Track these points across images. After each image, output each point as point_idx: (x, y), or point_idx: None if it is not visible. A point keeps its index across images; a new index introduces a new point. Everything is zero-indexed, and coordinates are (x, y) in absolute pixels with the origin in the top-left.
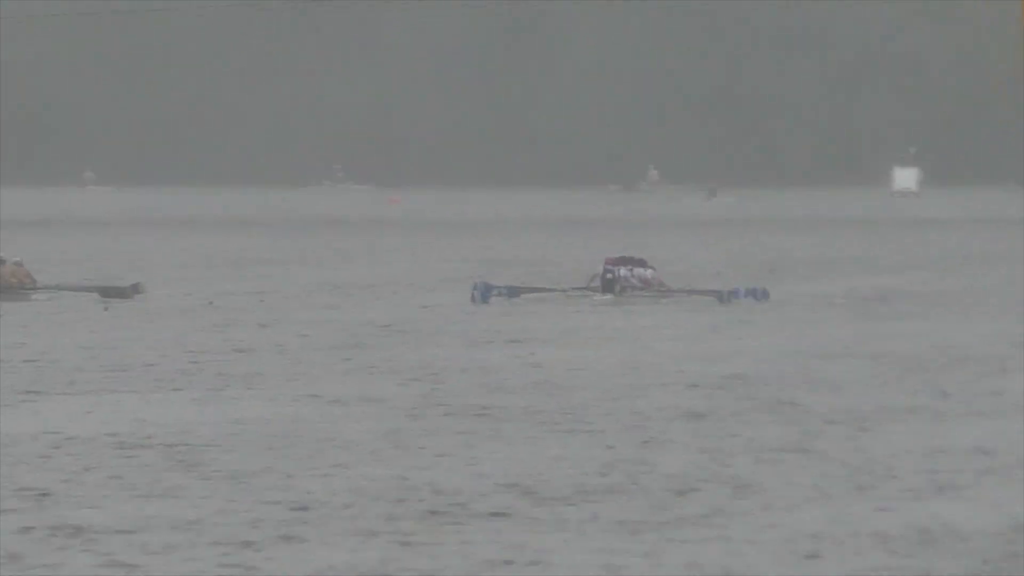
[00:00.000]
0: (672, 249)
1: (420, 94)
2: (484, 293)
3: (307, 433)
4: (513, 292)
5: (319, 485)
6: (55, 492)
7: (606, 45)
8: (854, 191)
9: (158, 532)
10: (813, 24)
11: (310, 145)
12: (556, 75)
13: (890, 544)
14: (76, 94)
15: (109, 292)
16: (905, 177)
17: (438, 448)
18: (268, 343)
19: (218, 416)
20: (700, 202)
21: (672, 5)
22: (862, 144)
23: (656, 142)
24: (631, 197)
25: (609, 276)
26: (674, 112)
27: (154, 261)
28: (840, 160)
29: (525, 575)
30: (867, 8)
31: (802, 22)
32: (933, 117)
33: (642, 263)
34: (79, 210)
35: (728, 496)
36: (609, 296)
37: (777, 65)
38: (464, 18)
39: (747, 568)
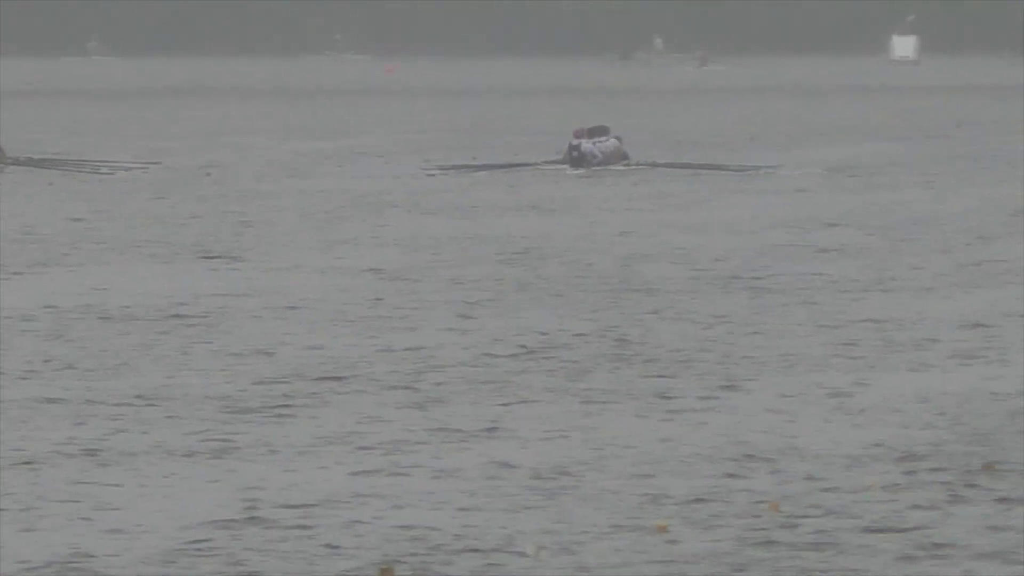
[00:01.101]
0: (655, 118)
1: None
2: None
3: (276, 303)
4: (483, 168)
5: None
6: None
7: None
8: (853, 59)
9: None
10: None
11: (311, 13)
12: None
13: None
14: None
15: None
16: (904, 45)
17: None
18: (235, 214)
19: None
20: (692, 71)
21: None
22: (861, 12)
23: (658, 11)
24: (626, 66)
25: (575, 154)
26: None
27: (138, 131)
28: (840, 29)
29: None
30: None
31: None
32: None
33: (605, 131)
34: (72, 81)
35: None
36: (581, 170)
37: None
38: None
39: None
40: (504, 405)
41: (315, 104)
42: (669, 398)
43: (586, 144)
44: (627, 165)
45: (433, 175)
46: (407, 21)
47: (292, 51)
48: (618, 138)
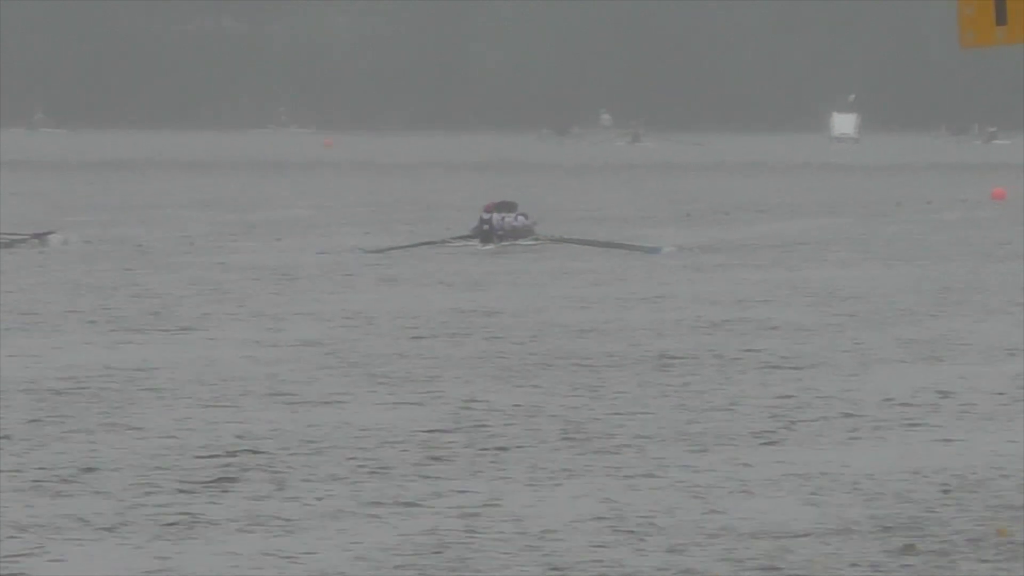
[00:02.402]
0: (577, 194)
1: (364, 37)
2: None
3: (193, 376)
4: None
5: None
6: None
7: None
8: (794, 136)
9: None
10: None
11: (257, 88)
12: (498, 18)
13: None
14: (27, 34)
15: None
16: (844, 123)
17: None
18: (163, 284)
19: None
20: (624, 147)
21: None
22: (803, 90)
23: (600, 86)
24: (561, 142)
25: (486, 227)
26: (614, 56)
27: (72, 204)
28: (781, 106)
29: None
30: None
31: None
32: (870, 63)
33: (512, 207)
34: (13, 152)
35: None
36: (490, 246)
37: (720, 10)
38: None
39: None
40: (430, 479)
41: (249, 177)
42: (591, 472)
43: (496, 218)
44: (536, 240)
45: (340, 252)
46: (348, 96)
47: (237, 125)
48: (524, 214)
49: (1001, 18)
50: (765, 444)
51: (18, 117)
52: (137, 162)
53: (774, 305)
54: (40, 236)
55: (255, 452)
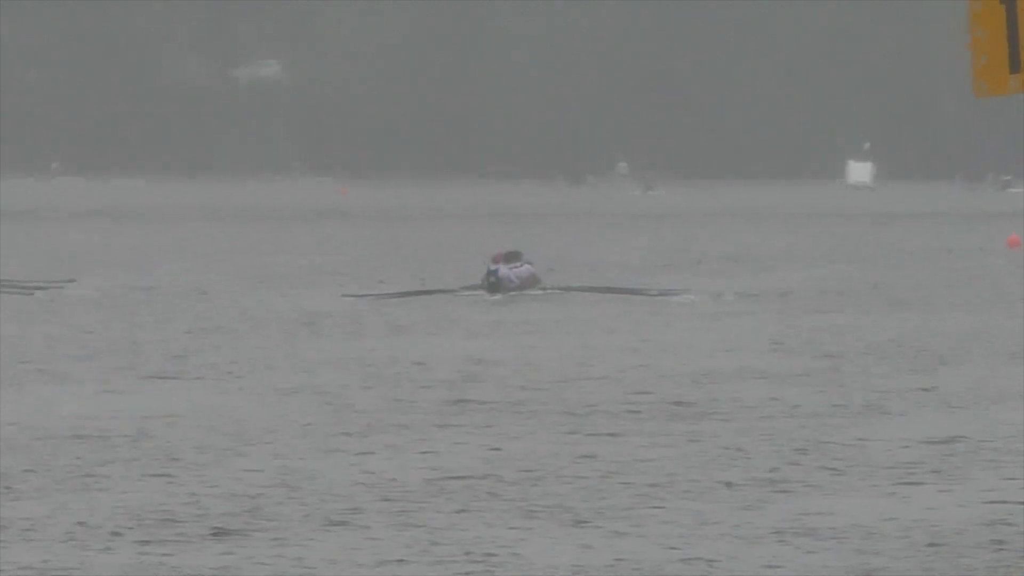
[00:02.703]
0: (597, 242)
1: (380, 85)
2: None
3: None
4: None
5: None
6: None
7: (558, 36)
8: (811, 185)
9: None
10: (768, 17)
11: (275, 136)
12: (512, 67)
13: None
14: (45, 83)
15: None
16: (860, 171)
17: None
18: (173, 333)
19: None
20: (638, 196)
21: None
22: (817, 138)
23: (615, 135)
24: (576, 190)
25: (492, 278)
26: (629, 105)
27: (89, 253)
28: (797, 154)
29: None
30: (819, 4)
31: (758, 14)
32: (885, 112)
33: (518, 257)
34: (30, 202)
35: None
36: (498, 296)
37: (735, 58)
38: (418, 7)
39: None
40: (444, 529)
41: (263, 225)
42: (610, 521)
43: (503, 269)
44: (543, 290)
45: (350, 300)
46: (364, 144)
47: (254, 172)
48: (530, 263)
49: (1015, 66)
50: (778, 492)
51: (34, 167)
52: (153, 210)
53: (782, 354)
54: (55, 285)
55: (266, 499)
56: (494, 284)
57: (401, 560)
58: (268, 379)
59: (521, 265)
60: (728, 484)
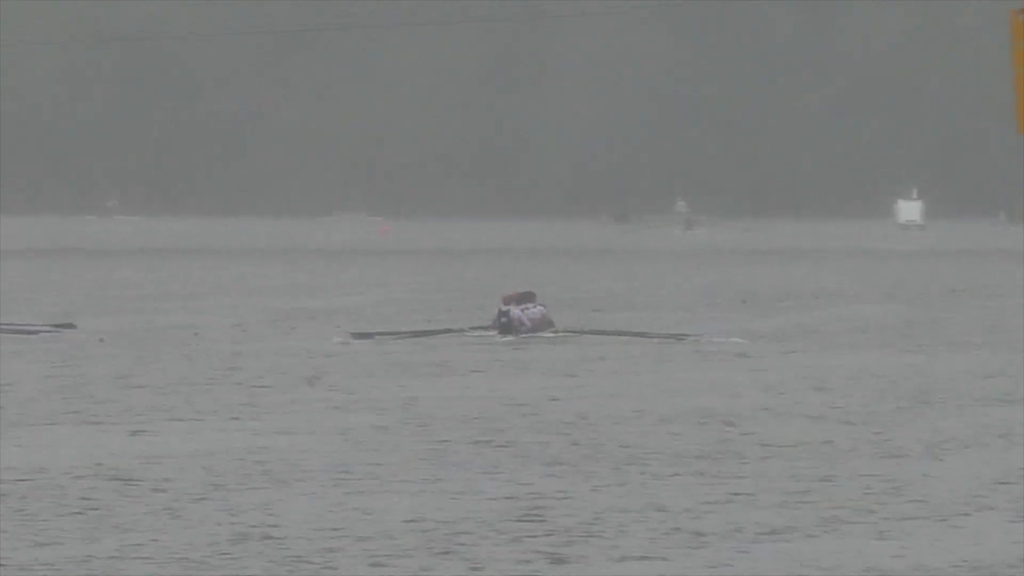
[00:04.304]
0: (637, 281)
1: (426, 122)
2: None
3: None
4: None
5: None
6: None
7: (604, 69)
8: (861, 223)
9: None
10: (822, 58)
11: (327, 175)
12: (561, 103)
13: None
14: (100, 123)
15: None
16: (910, 210)
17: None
18: (155, 375)
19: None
20: (679, 234)
21: (672, 27)
22: (867, 176)
23: (669, 172)
24: (621, 229)
25: (504, 319)
26: (682, 142)
27: (137, 291)
28: (847, 192)
29: None
30: (870, 39)
31: (812, 55)
32: (931, 151)
33: (532, 298)
34: (82, 240)
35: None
36: (510, 337)
37: (786, 97)
38: (464, 44)
39: None
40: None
41: (308, 264)
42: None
43: (515, 311)
44: (555, 332)
45: (352, 342)
46: (408, 181)
47: (307, 211)
48: (543, 305)
49: None
50: (827, 532)
51: (92, 204)
52: (206, 248)
53: (826, 393)
54: (59, 328)
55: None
56: (505, 325)
57: None
58: (289, 419)
59: (534, 306)
60: (772, 529)
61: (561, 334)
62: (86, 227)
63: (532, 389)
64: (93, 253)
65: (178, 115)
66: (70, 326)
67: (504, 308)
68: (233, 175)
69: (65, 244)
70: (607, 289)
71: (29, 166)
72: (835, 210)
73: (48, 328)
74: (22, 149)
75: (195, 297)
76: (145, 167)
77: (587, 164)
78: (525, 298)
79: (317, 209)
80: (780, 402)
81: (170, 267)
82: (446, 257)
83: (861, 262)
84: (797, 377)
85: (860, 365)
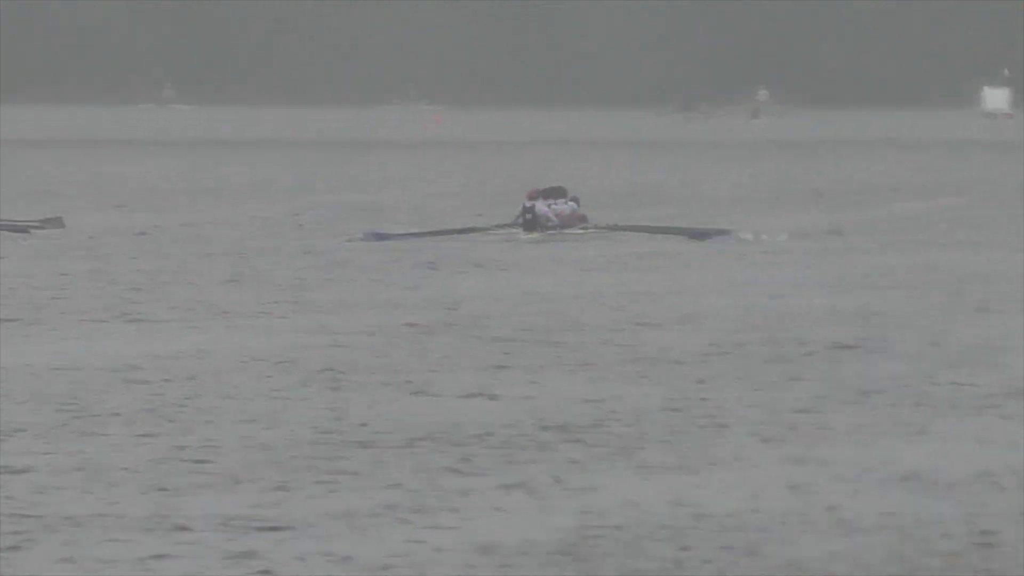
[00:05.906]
0: (701, 174)
1: (492, 12)
2: (378, 236)
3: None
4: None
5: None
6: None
7: None
8: (943, 112)
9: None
10: None
11: (388, 65)
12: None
13: None
14: (156, 12)
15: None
16: (996, 97)
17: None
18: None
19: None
20: (741, 124)
21: None
22: (952, 64)
23: (761, 62)
24: (685, 119)
25: (528, 215)
26: (756, 30)
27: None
28: (930, 80)
29: None
30: None
31: None
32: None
33: (562, 193)
34: (138, 131)
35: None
36: (535, 234)
37: None
38: None
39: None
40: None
41: (358, 155)
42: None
43: (540, 206)
44: (585, 228)
45: (368, 241)
46: (472, 70)
47: (364, 101)
48: (576, 199)
49: None
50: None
51: (149, 93)
52: (253, 140)
53: (900, 290)
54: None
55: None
56: (530, 222)
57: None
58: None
59: (565, 201)
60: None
61: (591, 230)
62: (145, 116)
63: (555, 284)
64: (149, 144)
65: (237, 3)
66: (59, 223)
67: (528, 204)
68: (292, 65)
69: (120, 136)
70: (654, 182)
71: (88, 57)
72: (916, 98)
73: (36, 223)
74: (83, 39)
75: (224, 193)
76: (201, 57)
77: (654, 48)
78: (553, 193)
79: (375, 98)
80: (824, 303)
81: (209, 160)
82: (495, 147)
83: (937, 153)
84: (845, 274)
85: (917, 262)
